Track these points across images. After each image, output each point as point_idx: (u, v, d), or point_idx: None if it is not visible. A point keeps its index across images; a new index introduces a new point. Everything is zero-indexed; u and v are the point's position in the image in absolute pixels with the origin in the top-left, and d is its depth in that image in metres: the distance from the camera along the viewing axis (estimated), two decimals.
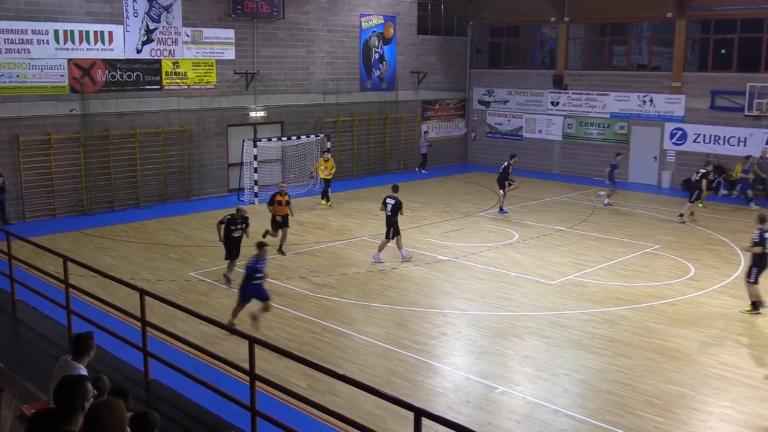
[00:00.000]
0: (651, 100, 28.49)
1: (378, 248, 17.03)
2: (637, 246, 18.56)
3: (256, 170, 23.79)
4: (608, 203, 23.80)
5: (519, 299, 14.38)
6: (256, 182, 23.84)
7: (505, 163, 22.46)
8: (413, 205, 22.47)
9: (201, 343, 10.66)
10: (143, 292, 9.95)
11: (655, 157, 28.49)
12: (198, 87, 24.11)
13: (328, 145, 25.67)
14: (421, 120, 31.78)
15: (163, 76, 23.20)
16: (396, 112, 30.40)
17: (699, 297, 14.65)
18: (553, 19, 30.82)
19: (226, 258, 15.02)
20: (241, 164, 24.69)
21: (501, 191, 22.36)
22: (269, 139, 24.64)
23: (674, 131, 28.03)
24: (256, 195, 23.62)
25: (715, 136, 27.00)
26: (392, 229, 16.87)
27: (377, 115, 29.72)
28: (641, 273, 16.25)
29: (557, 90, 30.92)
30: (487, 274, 16.07)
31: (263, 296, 12.32)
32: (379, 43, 29.60)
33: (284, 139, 25.53)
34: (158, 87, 23.18)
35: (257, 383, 8.35)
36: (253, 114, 25.46)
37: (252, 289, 12.26)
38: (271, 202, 17.38)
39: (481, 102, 33.61)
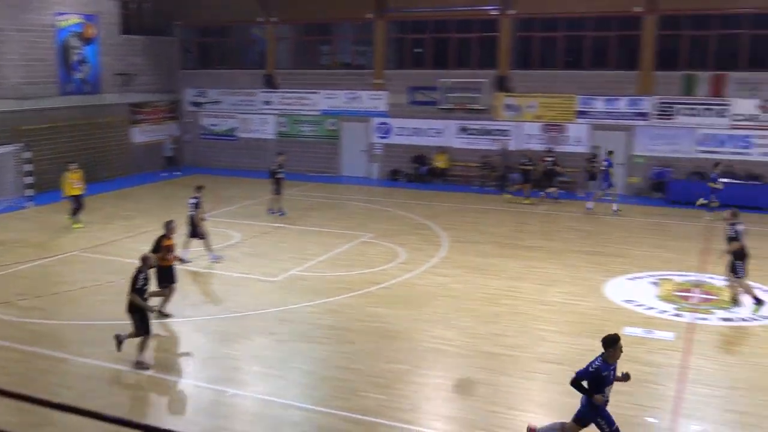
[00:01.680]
0: (357, 97, 30.02)
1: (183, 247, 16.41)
2: (352, 236, 19.50)
3: None
4: (616, 210, 22.74)
5: (244, 299, 14.42)
6: None
7: (274, 165, 22.38)
8: (125, 213, 21.50)
9: None
10: None
11: (364, 151, 30.10)
12: None
13: (28, 155, 23.57)
14: (130, 124, 30.42)
15: None
16: (102, 116, 28.77)
17: (410, 278, 15.80)
18: (260, 20, 31.17)
19: None
20: None
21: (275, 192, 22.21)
22: None
23: (380, 125, 29.82)
24: None
25: (416, 128, 29.21)
26: (195, 229, 16.45)
27: (82, 120, 27.89)
28: (358, 261, 17.13)
29: (269, 89, 31.36)
30: (211, 278, 15.91)
31: None
32: (79, 43, 27.80)
33: None
34: None
35: None
36: None
37: None
38: None
39: (193, 103, 33.01)
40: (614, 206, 22.90)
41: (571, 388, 8.21)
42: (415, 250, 18.16)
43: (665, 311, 13.71)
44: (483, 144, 28.26)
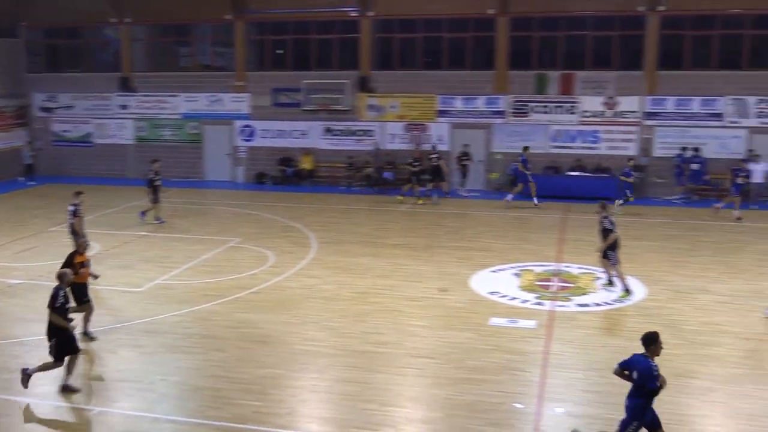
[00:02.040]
0: (219, 100, 29.47)
1: None
2: (219, 241, 19.13)
3: None
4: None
5: (108, 313, 13.82)
6: None
7: (151, 172, 21.45)
8: None
9: None
10: None
11: (228, 154, 29.61)
12: None
13: None
14: None
15: None
16: None
17: (280, 282, 15.70)
18: (113, 20, 29.97)
19: None
20: None
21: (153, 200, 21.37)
22: None
23: (243, 128, 29.42)
24: None
25: (280, 130, 29.03)
26: (76, 237, 15.57)
27: None
28: (225, 267, 16.83)
29: (125, 93, 30.24)
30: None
31: None
32: None
33: None
34: None
35: None
36: None
37: None
38: None
39: (43, 108, 31.30)
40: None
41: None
42: (284, 252, 18.05)
43: (527, 300, 14.33)
44: (348, 144, 28.48)
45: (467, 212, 23.62)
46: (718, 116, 25.67)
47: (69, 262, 12.22)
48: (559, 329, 12.77)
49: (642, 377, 7.89)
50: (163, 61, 31.21)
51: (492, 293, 14.81)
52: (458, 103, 27.49)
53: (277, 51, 29.83)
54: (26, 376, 10.31)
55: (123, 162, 30.46)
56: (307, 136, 28.79)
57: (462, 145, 26.88)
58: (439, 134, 27.54)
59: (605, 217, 14.80)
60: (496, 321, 13.10)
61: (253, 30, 29.72)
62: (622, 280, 14.64)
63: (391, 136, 28.07)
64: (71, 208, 16.40)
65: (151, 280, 15.81)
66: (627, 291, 14.53)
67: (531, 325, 12.93)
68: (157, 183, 21.31)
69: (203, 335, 12.63)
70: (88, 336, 12.36)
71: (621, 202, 22.55)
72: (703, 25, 25.83)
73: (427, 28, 27.87)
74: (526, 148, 24.85)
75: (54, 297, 10.36)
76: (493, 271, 16.43)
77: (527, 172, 24.10)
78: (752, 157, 24.48)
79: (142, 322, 13.31)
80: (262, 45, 29.96)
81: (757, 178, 23.84)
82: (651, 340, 8.02)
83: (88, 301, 12.56)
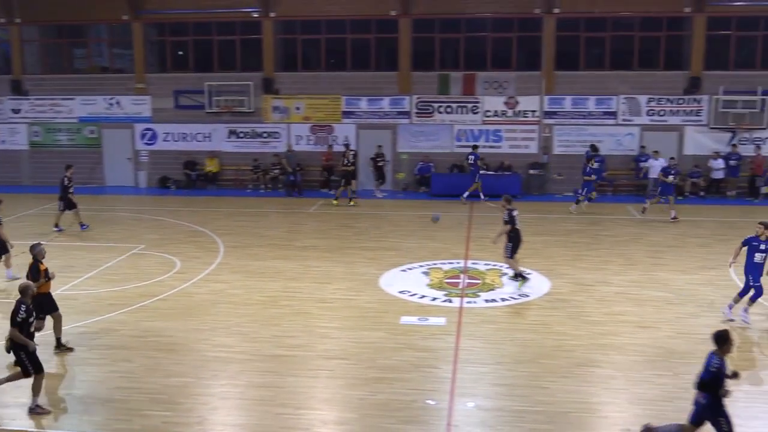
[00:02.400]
0: (118, 103, 28.64)
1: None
2: (122, 248, 18.59)
3: None
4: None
5: (5, 327, 13.19)
6: None
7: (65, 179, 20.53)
8: None
9: None
10: None
11: (130, 159, 28.80)
12: None
13: None
14: None
15: None
16: None
17: (187, 288, 15.39)
18: (2, 20, 28.66)
19: None
20: None
21: (61, 208, 20.56)
22: None
23: (145, 132, 28.68)
24: None
25: (183, 133, 28.46)
26: None
27: None
28: (130, 275, 16.36)
29: (17, 96, 28.98)
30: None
31: None
32: None
33: None
34: None
35: None
36: None
37: None
38: None
39: None
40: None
41: (696, 390, 8.21)
42: (191, 258, 17.70)
43: (436, 298, 14.55)
44: (254, 147, 28.20)
45: (376, 212, 23.78)
46: (612, 114, 26.76)
47: (35, 272, 11.72)
48: (468, 325, 13.03)
49: (703, 371, 8.16)
50: (57, 63, 30.05)
51: (402, 292, 14.97)
52: (363, 104, 27.64)
53: (179, 52, 29.21)
54: (33, 409, 9.81)
55: (17, 168, 29.17)
56: (211, 138, 28.34)
57: (377, 146, 27.01)
58: (345, 135, 27.61)
59: (509, 210, 15.21)
60: (406, 319, 13.25)
61: (152, 31, 29.01)
62: (516, 270, 15.23)
63: (297, 137, 27.95)
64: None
65: (52, 290, 15.18)
66: (522, 277, 15.10)
67: (441, 323, 13.14)
68: (72, 189, 20.60)
69: (109, 346, 12.25)
70: (63, 347, 11.96)
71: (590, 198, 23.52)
72: (597, 27, 26.88)
73: (330, 29, 27.89)
74: (475, 147, 25.45)
75: (15, 312, 9.83)
76: (403, 270, 16.60)
77: (480, 171, 24.93)
78: (651, 153, 25.65)
79: (44, 335, 12.77)
80: (163, 46, 29.28)
81: (653, 173, 24.93)
82: (720, 339, 8.23)
83: (56, 311, 12.06)
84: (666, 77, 26.60)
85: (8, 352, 10.05)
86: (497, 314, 13.80)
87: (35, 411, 9.86)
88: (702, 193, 26.16)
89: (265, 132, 28.17)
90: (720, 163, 25.97)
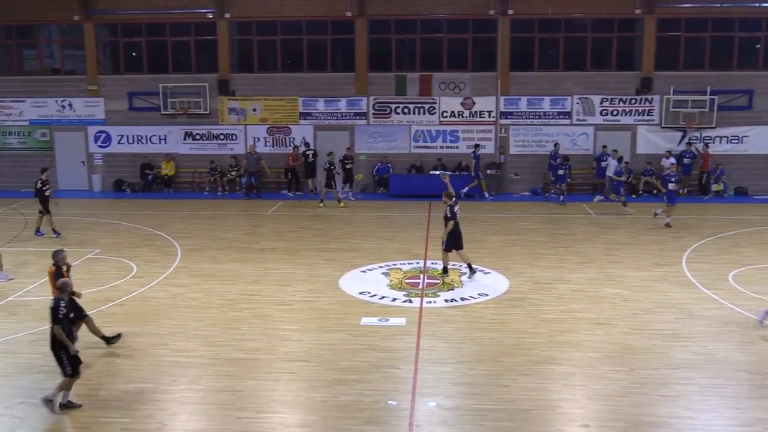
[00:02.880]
0: (70, 105, 28.14)
1: None
2: (76, 253, 18.23)
3: None
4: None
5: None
6: None
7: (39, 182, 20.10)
8: None
9: None
10: None
11: (83, 162, 28.31)
12: None
13: None
14: None
15: None
16: None
17: (145, 292, 15.19)
18: None
19: None
20: None
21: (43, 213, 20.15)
22: None
23: (98, 134, 28.22)
24: None
25: (138, 135, 28.08)
26: None
27: None
28: (85, 280, 16.04)
29: None
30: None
31: None
32: None
33: None
34: None
35: None
36: None
37: None
38: None
39: None
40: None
41: None
42: (148, 262, 17.48)
43: (396, 299, 14.59)
44: (211, 149, 27.95)
45: (335, 214, 23.75)
46: (567, 114, 27.14)
47: (59, 273, 11.75)
48: (429, 325, 13.09)
49: None
50: (6, 64, 29.37)
51: (362, 293, 14.98)
52: (320, 105, 27.60)
53: (132, 53, 28.80)
54: (49, 401, 9.79)
55: None
56: (167, 141, 28.01)
57: (346, 148, 26.90)
58: (303, 136, 27.52)
59: (450, 206, 15.67)
60: (367, 320, 13.26)
61: (104, 32, 28.57)
62: (445, 263, 16.04)
63: (254, 139, 27.77)
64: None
65: (4, 297, 14.89)
66: (444, 271, 16.01)
67: (401, 323, 13.18)
68: (47, 193, 20.17)
69: None
70: (112, 338, 12.16)
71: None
72: (550, 28, 27.23)
73: (286, 30, 27.78)
74: (477, 146, 26.11)
75: (55, 309, 9.75)
76: (363, 272, 16.61)
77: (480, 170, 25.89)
78: (611, 152, 26.03)
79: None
80: (116, 47, 28.83)
81: (609, 171, 25.29)
82: None
83: (85, 314, 12.03)
84: (618, 78, 27.09)
85: (52, 350, 9.98)
86: (457, 314, 13.89)
87: (52, 404, 9.84)
88: (655, 192, 26.65)
89: (221, 134, 27.94)
90: (672, 162, 26.48)
